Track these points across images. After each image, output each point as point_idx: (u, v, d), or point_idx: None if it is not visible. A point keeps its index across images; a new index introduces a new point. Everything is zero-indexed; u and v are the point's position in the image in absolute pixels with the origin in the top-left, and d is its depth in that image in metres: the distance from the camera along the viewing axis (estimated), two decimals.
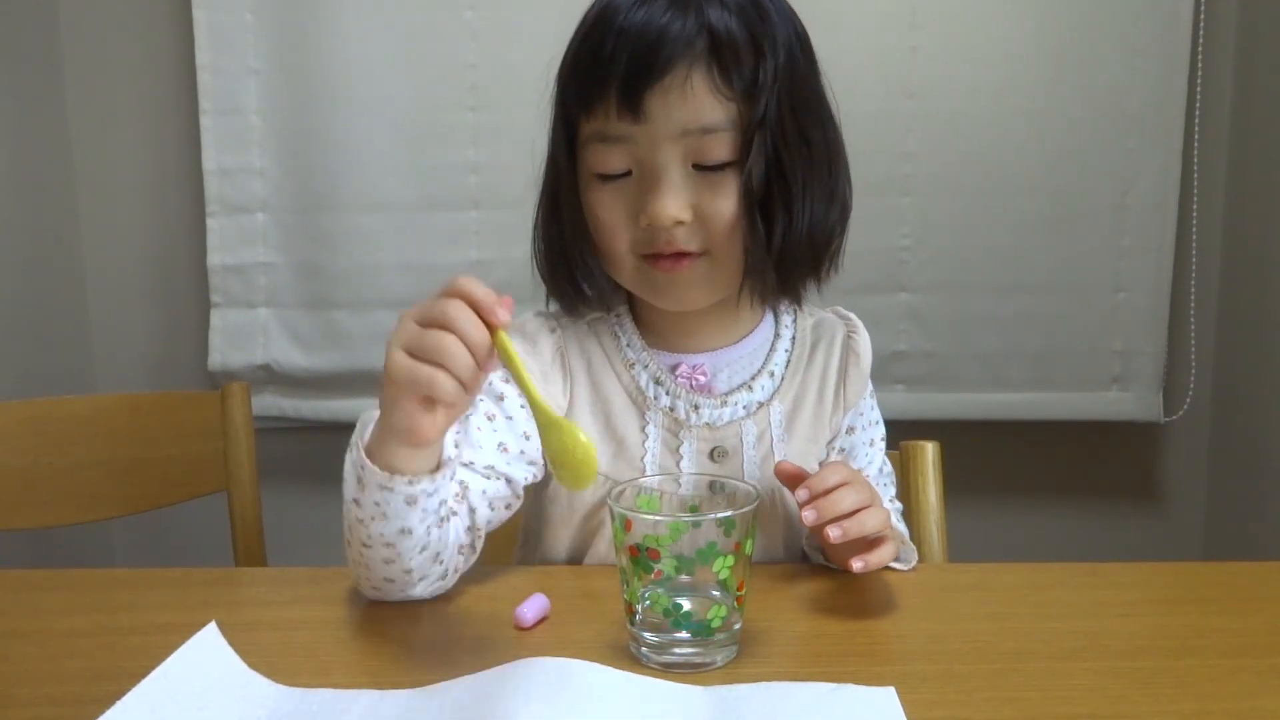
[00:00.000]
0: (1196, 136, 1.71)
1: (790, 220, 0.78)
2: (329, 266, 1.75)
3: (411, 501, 0.68)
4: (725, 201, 0.77)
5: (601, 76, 0.76)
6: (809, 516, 0.72)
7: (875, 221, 1.72)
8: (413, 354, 0.61)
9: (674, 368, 0.86)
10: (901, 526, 0.93)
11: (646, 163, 0.77)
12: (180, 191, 1.81)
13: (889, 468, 0.96)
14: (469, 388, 0.62)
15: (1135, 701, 0.61)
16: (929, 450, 1.03)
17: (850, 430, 0.92)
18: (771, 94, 0.76)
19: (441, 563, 0.75)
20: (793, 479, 0.78)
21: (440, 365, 0.60)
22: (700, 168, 0.77)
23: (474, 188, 1.73)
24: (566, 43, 0.81)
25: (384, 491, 0.67)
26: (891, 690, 0.60)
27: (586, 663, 0.61)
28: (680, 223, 0.77)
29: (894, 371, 1.76)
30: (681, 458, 0.85)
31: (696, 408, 0.85)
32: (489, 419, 0.82)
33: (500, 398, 0.84)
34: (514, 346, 0.63)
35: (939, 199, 1.72)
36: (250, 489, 1.22)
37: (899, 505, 0.96)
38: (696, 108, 0.75)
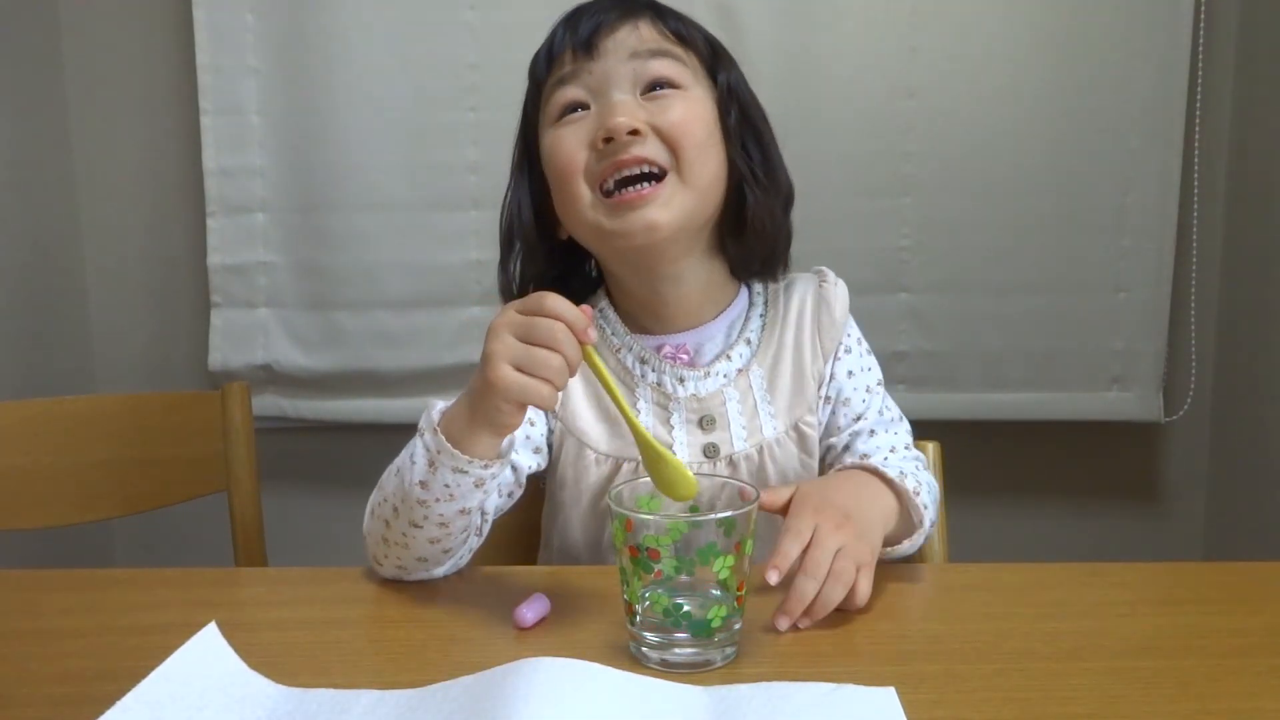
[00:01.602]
0: (1197, 136, 1.71)
1: (771, 180, 0.88)
2: (329, 266, 1.75)
3: (480, 484, 0.74)
4: (677, 109, 0.83)
5: (561, 39, 0.85)
6: (781, 623, 0.70)
7: (875, 221, 1.72)
8: (519, 368, 0.68)
9: (658, 349, 0.90)
10: (923, 475, 0.87)
11: (600, 90, 0.83)
12: (180, 191, 1.81)
13: (893, 411, 0.95)
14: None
15: (1135, 701, 0.61)
16: (929, 450, 1.03)
17: (833, 377, 0.92)
18: (724, 68, 0.87)
19: (465, 542, 0.81)
20: (773, 508, 0.77)
21: (546, 380, 0.69)
22: (651, 89, 0.83)
23: (474, 188, 1.73)
24: None
25: (458, 474, 0.73)
26: (891, 690, 0.60)
27: (586, 663, 0.61)
28: (636, 132, 0.81)
29: (894, 371, 1.76)
30: (673, 428, 0.89)
31: (682, 380, 0.89)
32: None
33: None
34: (601, 362, 0.71)
35: (939, 199, 1.72)
36: (250, 489, 1.22)
37: (917, 454, 0.93)
38: (643, 38, 0.84)
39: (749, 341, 0.91)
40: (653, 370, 0.89)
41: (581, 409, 0.89)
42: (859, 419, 0.92)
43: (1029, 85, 1.68)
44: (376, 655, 0.68)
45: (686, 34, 0.86)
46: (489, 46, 1.69)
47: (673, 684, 0.62)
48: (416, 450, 0.75)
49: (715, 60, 0.88)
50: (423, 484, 0.74)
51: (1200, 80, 1.70)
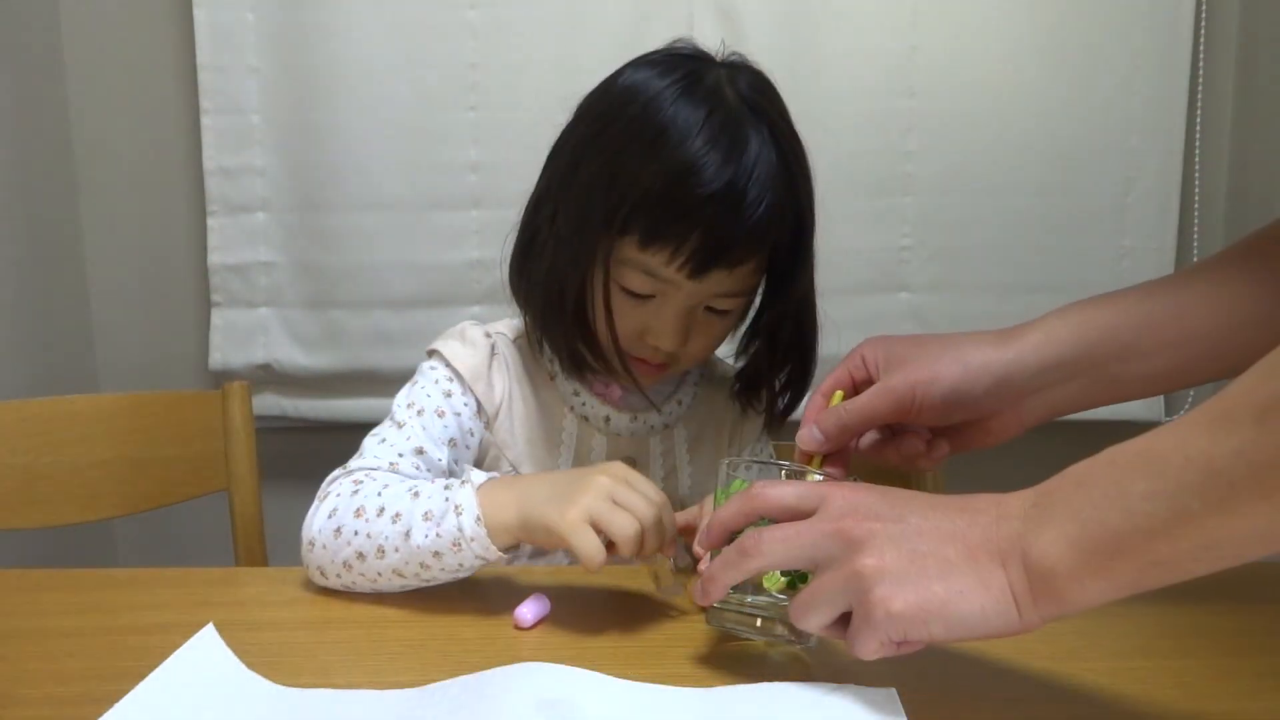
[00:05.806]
0: (1197, 136, 1.71)
1: (803, 360, 0.93)
2: (329, 266, 1.75)
3: (486, 564, 0.75)
4: (710, 340, 0.89)
5: (673, 236, 0.80)
6: None
7: (875, 221, 1.72)
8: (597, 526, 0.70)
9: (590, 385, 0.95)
10: None
11: (673, 301, 0.85)
12: (180, 191, 1.80)
13: None
14: None
15: (1135, 701, 0.61)
16: None
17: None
18: (803, 267, 0.88)
19: None
20: None
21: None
22: (707, 310, 0.87)
23: (474, 187, 1.73)
24: (601, 114, 0.85)
25: (477, 560, 0.74)
26: (892, 690, 0.60)
27: (585, 671, 0.61)
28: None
29: None
30: (594, 458, 0.94)
31: (608, 419, 0.94)
32: (439, 415, 0.89)
33: (447, 394, 0.91)
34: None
35: (939, 199, 1.72)
36: (250, 489, 1.22)
37: None
38: (739, 281, 0.85)
39: (680, 403, 0.97)
40: (583, 403, 0.94)
41: (515, 421, 0.93)
42: None
43: (1029, 85, 1.68)
44: (376, 655, 0.68)
45: (780, 259, 0.87)
46: (489, 46, 1.69)
47: (671, 688, 0.62)
48: (444, 521, 0.73)
49: (796, 254, 0.87)
50: (436, 554, 0.73)
51: (1200, 80, 1.70)
